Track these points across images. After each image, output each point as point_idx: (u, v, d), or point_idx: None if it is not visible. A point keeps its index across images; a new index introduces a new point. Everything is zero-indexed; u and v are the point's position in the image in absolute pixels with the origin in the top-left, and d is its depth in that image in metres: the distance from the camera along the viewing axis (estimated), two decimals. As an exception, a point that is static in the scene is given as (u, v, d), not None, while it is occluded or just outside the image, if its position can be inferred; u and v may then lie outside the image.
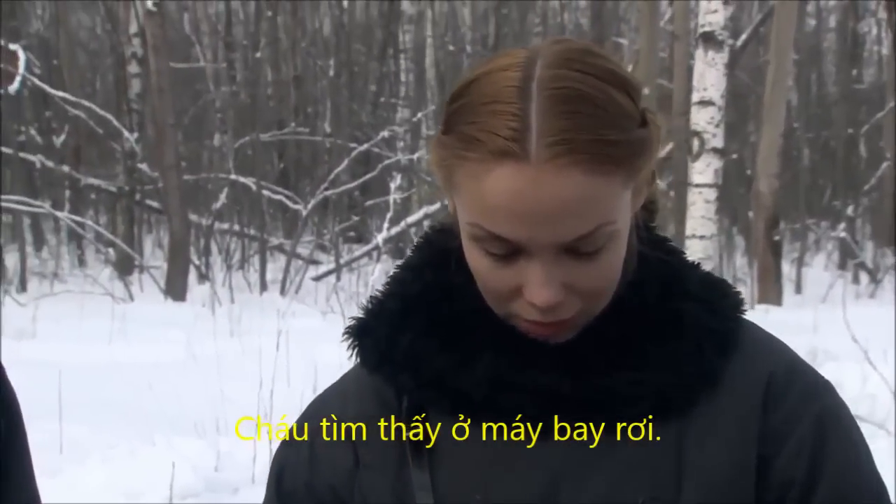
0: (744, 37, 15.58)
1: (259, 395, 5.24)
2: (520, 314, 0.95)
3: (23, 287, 12.60)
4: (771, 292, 11.74)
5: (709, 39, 6.76)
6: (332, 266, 14.22)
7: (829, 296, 12.27)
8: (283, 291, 12.94)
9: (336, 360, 5.41)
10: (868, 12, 20.20)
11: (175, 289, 12.27)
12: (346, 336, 1.04)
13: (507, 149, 0.88)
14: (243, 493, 4.77)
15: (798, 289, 14.56)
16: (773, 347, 1.02)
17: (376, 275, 11.88)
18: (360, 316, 1.05)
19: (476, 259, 0.95)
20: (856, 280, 15.53)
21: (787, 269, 14.31)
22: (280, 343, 6.34)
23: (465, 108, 0.92)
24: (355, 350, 1.04)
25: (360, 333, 1.04)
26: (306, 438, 1.07)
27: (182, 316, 9.85)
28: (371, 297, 1.05)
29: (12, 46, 13.49)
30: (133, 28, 15.34)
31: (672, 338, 0.98)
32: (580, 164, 0.88)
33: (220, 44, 19.29)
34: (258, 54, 18.08)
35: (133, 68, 15.61)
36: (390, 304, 1.03)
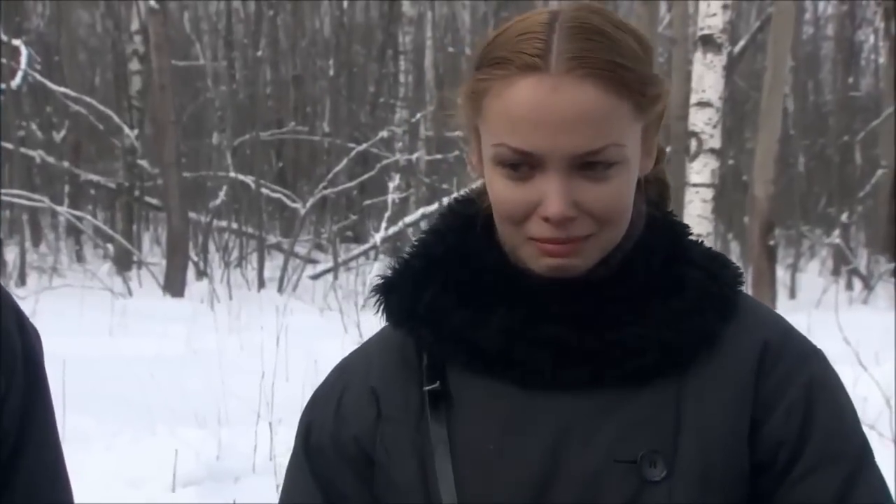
0: (742, 43, 15.67)
1: (261, 386, 5.30)
2: (534, 235, 1.03)
3: (22, 281, 12.65)
4: (765, 297, 11.79)
5: (707, 42, 6.88)
6: (329, 265, 14.28)
7: (823, 301, 12.36)
8: (280, 289, 13.00)
9: (335, 355, 5.48)
10: (865, 21, 20.31)
11: (173, 285, 12.33)
12: (372, 294, 1.12)
13: (531, 63, 1.00)
14: (244, 482, 4.83)
15: (792, 294, 14.66)
16: (769, 317, 1.10)
17: (374, 273, 11.94)
18: (387, 275, 1.13)
19: (496, 183, 1.04)
20: (849, 286, 15.62)
21: (782, 274, 14.39)
22: (279, 338, 6.40)
23: (497, 43, 1.04)
24: (381, 307, 1.12)
25: (386, 291, 1.12)
26: (333, 395, 1.14)
27: (181, 311, 9.91)
28: (397, 257, 1.13)
29: (15, 42, 13.55)
30: (135, 25, 15.41)
31: (675, 298, 1.06)
32: (595, 78, 1.00)
33: (220, 42, 19.35)
34: (258, 53, 18.14)
35: (134, 65, 15.67)
36: (415, 264, 1.11)
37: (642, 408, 1.03)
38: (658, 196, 1.12)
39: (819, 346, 1.11)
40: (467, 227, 1.10)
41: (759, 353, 1.06)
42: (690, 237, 1.12)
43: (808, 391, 1.05)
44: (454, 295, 1.07)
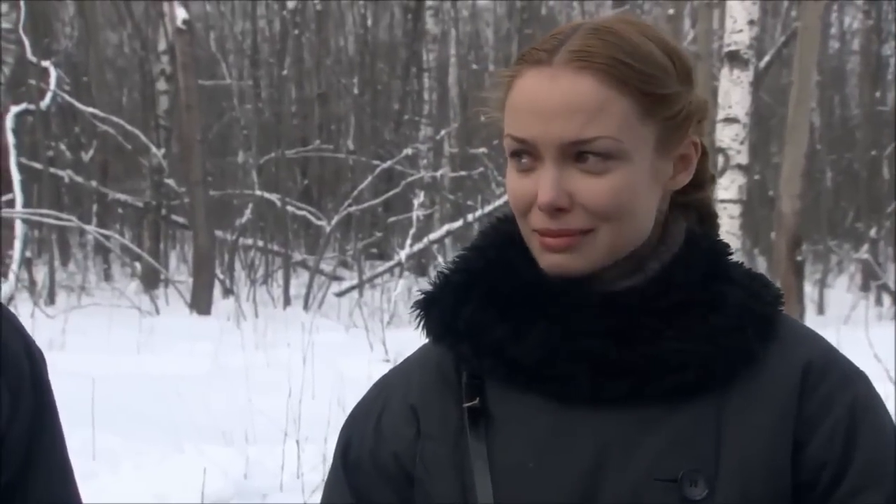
0: (767, 58, 15.61)
1: (288, 403, 5.31)
2: (535, 226, 1.05)
3: (51, 300, 12.74)
4: (793, 312, 11.65)
5: (734, 58, 6.88)
6: (354, 282, 14.31)
7: (852, 317, 12.25)
8: (306, 306, 13.03)
9: (361, 373, 5.48)
10: (891, 35, 20.18)
11: (200, 303, 12.39)
12: (413, 309, 1.13)
13: (538, 57, 1.05)
14: (272, 500, 4.84)
15: (820, 310, 14.53)
16: (810, 337, 1.09)
17: (399, 291, 11.95)
18: (428, 290, 1.12)
19: (510, 178, 1.07)
20: (878, 302, 15.48)
21: (810, 290, 14.28)
22: (305, 356, 6.40)
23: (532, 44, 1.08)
24: (422, 322, 1.12)
25: (427, 305, 1.12)
26: (373, 411, 1.14)
27: (208, 329, 9.95)
28: (437, 272, 1.13)
29: (44, 63, 13.72)
30: (162, 46, 15.55)
31: (714, 314, 1.05)
32: (593, 71, 1.02)
33: (245, 62, 19.49)
34: (283, 72, 18.25)
35: (161, 85, 15.80)
36: (455, 279, 1.11)
37: (683, 425, 1.03)
38: (698, 220, 1.12)
39: (861, 368, 1.10)
40: (508, 243, 1.10)
41: (802, 373, 1.05)
42: (731, 256, 1.11)
43: (851, 412, 1.04)
44: (494, 309, 1.07)
